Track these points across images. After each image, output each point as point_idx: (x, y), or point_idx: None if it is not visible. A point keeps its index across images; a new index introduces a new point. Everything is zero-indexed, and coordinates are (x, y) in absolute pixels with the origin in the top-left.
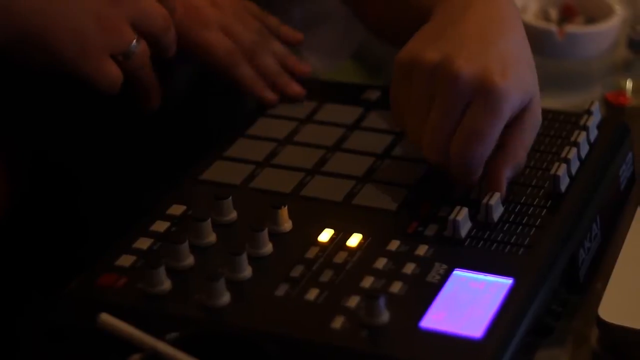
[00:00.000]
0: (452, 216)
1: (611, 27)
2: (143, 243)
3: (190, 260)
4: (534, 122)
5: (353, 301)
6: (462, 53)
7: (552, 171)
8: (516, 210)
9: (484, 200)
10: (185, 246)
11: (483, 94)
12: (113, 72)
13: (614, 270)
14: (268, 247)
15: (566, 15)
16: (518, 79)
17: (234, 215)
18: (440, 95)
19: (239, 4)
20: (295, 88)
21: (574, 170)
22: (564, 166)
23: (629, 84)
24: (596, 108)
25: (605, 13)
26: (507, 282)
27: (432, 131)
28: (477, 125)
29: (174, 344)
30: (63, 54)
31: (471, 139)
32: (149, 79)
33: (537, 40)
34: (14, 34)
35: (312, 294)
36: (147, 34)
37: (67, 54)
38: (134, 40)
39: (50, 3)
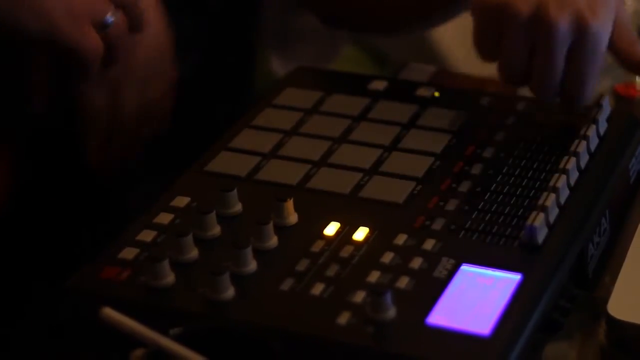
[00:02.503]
0: (528, 222)
1: None
2: (147, 235)
3: (194, 253)
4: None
5: (359, 296)
6: (550, 0)
7: (562, 165)
8: (525, 204)
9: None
10: (190, 239)
11: (581, 38)
12: (95, 39)
13: (623, 266)
14: (273, 241)
15: None
16: (607, 11)
17: (238, 207)
18: (541, 46)
19: None
20: None
21: (583, 164)
22: (573, 160)
23: (638, 77)
24: (606, 101)
25: None
26: (516, 277)
27: (540, 76)
28: (584, 68)
29: (177, 338)
30: (53, 19)
31: (582, 79)
32: (125, 50)
33: None
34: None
35: (318, 289)
36: (119, 4)
37: (57, 20)
38: (111, 11)
39: None
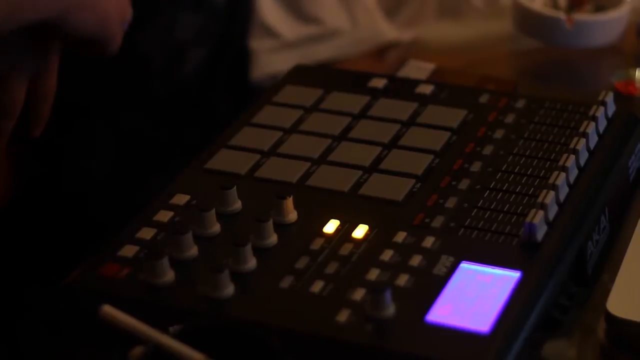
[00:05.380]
0: (528, 219)
1: (621, 15)
2: (146, 233)
3: (194, 250)
4: None
5: (358, 294)
6: None
7: (561, 162)
8: (524, 201)
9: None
10: (189, 236)
11: None
12: (121, 37)
13: (623, 264)
14: (273, 238)
15: (575, 3)
16: None
17: (238, 205)
18: None
19: None
20: None
21: (582, 162)
22: (572, 157)
23: (638, 74)
24: (610, 99)
25: (614, 1)
26: (515, 275)
27: None
28: None
29: (177, 336)
30: (109, 20)
31: None
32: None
33: (546, 28)
34: (69, 3)
35: (317, 286)
36: None
37: (112, 20)
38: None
39: None
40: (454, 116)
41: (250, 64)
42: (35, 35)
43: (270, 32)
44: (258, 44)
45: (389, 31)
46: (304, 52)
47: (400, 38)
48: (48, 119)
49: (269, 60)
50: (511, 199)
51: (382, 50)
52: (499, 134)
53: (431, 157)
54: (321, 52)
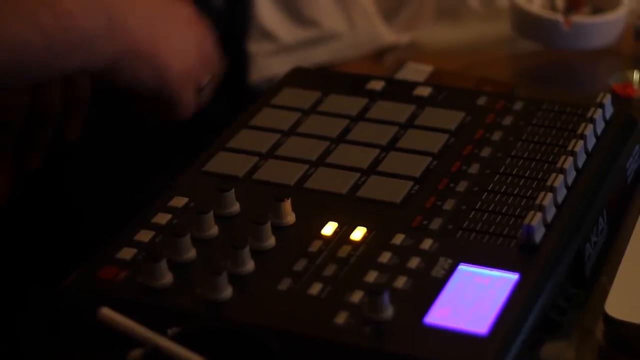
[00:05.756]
0: (526, 221)
1: (618, 17)
2: (144, 235)
3: (192, 253)
4: None
5: (357, 296)
6: None
7: (559, 164)
8: (522, 203)
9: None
10: (187, 239)
11: None
12: (192, 100)
13: (621, 265)
14: (271, 241)
15: (573, 5)
16: None
17: (236, 207)
18: None
19: None
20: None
21: (580, 164)
22: (570, 159)
23: (636, 76)
24: (608, 101)
25: (612, 3)
26: (513, 277)
27: None
28: None
29: (175, 338)
30: (168, 74)
31: None
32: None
33: (543, 30)
34: (126, 47)
35: (315, 289)
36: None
37: (172, 74)
38: (208, 78)
39: (160, 23)
40: (452, 118)
41: (248, 67)
42: None
43: (268, 36)
44: (256, 47)
45: (387, 34)
46: (302, 55)
47: (398, 41)
48: (85, 124)
49: (267, 64)
50: (509, 201)
51: (380, 53)
52: (496, 136)
53: (429, 159)
54: (319, 56)
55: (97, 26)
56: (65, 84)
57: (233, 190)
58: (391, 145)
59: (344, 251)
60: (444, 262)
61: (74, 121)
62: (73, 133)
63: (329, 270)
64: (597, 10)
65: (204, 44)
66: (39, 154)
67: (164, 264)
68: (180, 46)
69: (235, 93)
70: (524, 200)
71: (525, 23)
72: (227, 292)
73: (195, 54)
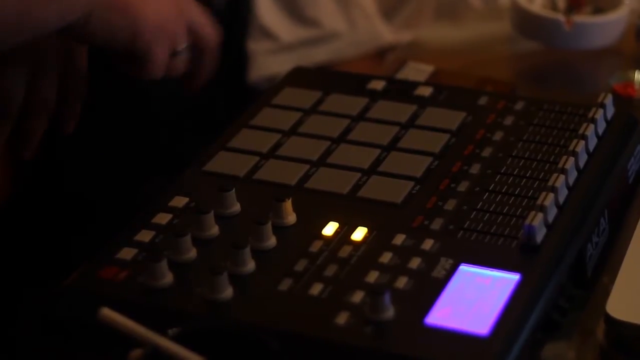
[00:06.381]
0: (527, 222)
1: (619, 17)
2: (145, 235)
3: (192, 253)
4: None
5: (358, 296)
6: None
7: (560, 165)
8: (523, 204)
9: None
10: (188, 239)
11: None
12: (165, 60)
13: (622, 266)
14: (271, 241)
15: (574, 5)
16: None
17: (237, 207)
18: None
19: None
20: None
21: (582, 164)
22: (571, 159)
23: (637, 76)
24: (609, 101)
25: (613, 3)
26: (514, 277)
27: None
28: None
29: (175, 339)
30: (144, 29)
31: None
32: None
33: (545, 30)
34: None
35: (316, 289)
36: (196, 44)
37: (145, 29)
38: (186, 44)
39: None
40: (453, 118)
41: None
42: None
43: (268, 34)
44: (256, 45)
45: (386, 34)
46: (302, 54)
47: (398, 41)
48: (79, 116)
49: (266, 62)
50: (510, 201)
51: (380, 53)
52: (498, 136)
53: (430, 159)
54: (319, 55)
55: None
56: (61, 75)
57: (234, 190)
58: (392, 145)
59: (344, 251)
60: (445, 263)
61: (69, 113)
62: (68, 125)
63: (330, 271)
64: (598, 10)
65: (186, 7)
66: (33, 146)
67: (164, 264)
68: (157, 3)
69: (235, 91)
70: (525, 200)
71: (526, 23)
72: (228, 292)
73: (172, 13)
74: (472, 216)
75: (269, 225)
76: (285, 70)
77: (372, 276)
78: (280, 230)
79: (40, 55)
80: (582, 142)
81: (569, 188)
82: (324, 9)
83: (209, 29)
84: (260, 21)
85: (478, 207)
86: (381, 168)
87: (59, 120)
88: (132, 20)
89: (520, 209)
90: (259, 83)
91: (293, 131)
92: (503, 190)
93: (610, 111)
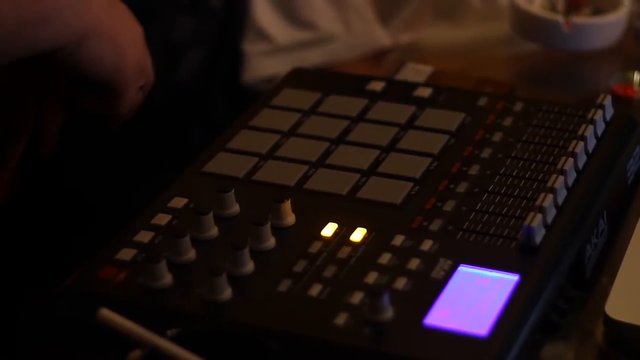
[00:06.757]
0: (526, 223)
1: (619, 18)
2: (144, 236)
3: (191, 254)
4: None
5: (357, 297)
6: None
7: (559, 165)
8: (522, 205)
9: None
10: (187, 240)
11: None
12: (134, 98)
13: (621, 267)
14: (271, 242)
15: (573, 6)
16: None
17: (236, 208)
18: None
19: None
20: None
21: (580, 165)
22: (570, 160)
23: (636, 77)
24: (608, 102)
25: (612, 4)
26: (513, 278)
27: None
28: None
29: (174, 339)
30: (126, 65)
31: None
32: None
33: (544, 31)
34: (92, 24)
35: (315, 290)
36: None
37: (129, 67)
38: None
39: (119, 12)
40: (452, 119)
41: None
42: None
43: (263, 36)
44: (251, 47)
45: (383, 37)
46: (297, 56)
47: (395, 43)
48: (58, 139)
49: (262, 64)
50: (509, 202)
51: (378, 55)
52: (497, 137)
53: (429, 160)
54: (314, 57)
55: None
56: (40, 100)
57: (233, 191)
58: (391, 146)
59: (343, 252)
60: (444, 263)
61: (48, 136)
62: (47, 148)
63: (329, 272)
64: (597, 11)
65: (145, 42)
66: (11, 168)
67: (163, 264)
68: (135, 38)
69: (234, 93)
70: (524, 201)
71: (525, 24)
72: (227, 293)
73: (145, 50)
74: (471, 217)
75: (268, 226)
76: (280, 72)
77: (371, 277)
78: (279, 231)
79: (19, 79)
80: (581, 143)
81: (568, 189)
82: (320, 11)
83: (149, 61)
84: (256, 23)
85: (477, 208)
86: (380, 169)
87: (37, 144)
88: (118, 55)
89: (519, 210)
90: (253, 84)
91: (292, 132)
92: (502, 191)
93: (610, 112)
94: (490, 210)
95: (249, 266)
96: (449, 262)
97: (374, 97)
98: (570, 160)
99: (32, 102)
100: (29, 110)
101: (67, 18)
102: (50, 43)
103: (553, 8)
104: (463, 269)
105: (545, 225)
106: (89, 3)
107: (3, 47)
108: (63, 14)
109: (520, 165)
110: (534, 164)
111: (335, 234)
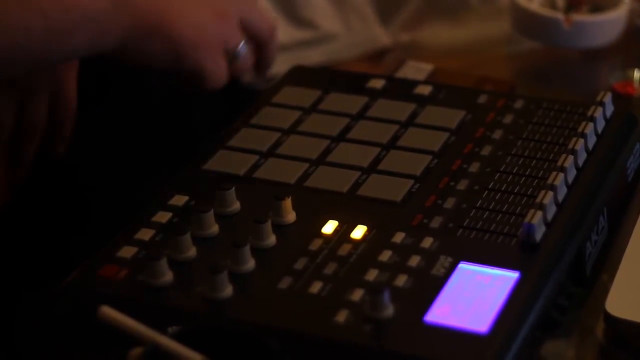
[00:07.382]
0: (526, 220)
1: (618, 16)
2: (145, 234)
3: (192, 252)
4: None
5: (357, 294)
6: None
7: (559, 163)
8: (522, 202)
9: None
10: (188, 237)
11: None
12: (223, 68)
13: (621, 264)
14: (271, 239)
15: (573, 3)
16: None
17: (237, 206)
18: None
19: None
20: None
21: (581, 162)
22: (570, 158)
23: (636, 74)
24: (608, 99)
25: (612, 2)
26: (513, 275)
27: None
28: None
29: (175, 337)
30: (183, 46)
31: None
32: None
33: (544, 28)
34: (134, 24)
35: (316, 287)
36: (252, 37)
37: (187, 46)
38: (243, 42)
39: None
40: (453, 117)
41: None
42: None
43: None
44: None
45: (383, 36)
46: (297, 55)
47: (395, 42)
48: (71, 137)
49: None
50: (509, 200)
51: (378, 54)
52: (497, 134)
53: (429, 157)
54: (314, 56)
55: (99, 7)
56: (51, 100)
57: (233, 188)
58: (392, 144)
59: (344, 250)
60: (444, 261)
61: (59, 137)
62: (58, 149)
63: (330, 269)
64: (597, 9)
65: (221, 5)
66: (23, 171)
67: (164, 262)
68: (195, 16)
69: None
70: (525, 198)
71: (525, 22)
72: (228, 290)
73: (211, 20)
74: (471, 214)
75: (269, 224)
76: (280, 71)
77: (372, 274)
78: (279, 228)
79: (30, 81)
80: (582, 141)
81: (568, 186)
82: (321, 10)
83: (261, 20)
84: None
85: (477, 205)
86: (381, 166)
87: (49, 144)
88: (170, 42)
89: (519, 207)
90: (253, 83)
91: (293, 130)
92: (502, 189)
93: (610, 110)
94: (490, 207)
95: (250, 264)
96: (450, 259)
97: (374, 94)
98: (571, 157)
99: (43, 103)
100: (40, 112)
101: (105, 26)
102: (89, 49)
103: (553, 6)
104: (463, 266)
105: (546, 223)
106: (127, 3)
107: (33, 56)
108: (99, 22)
109: (520, 162)
110: (534, 162)
111: (336, 231)
